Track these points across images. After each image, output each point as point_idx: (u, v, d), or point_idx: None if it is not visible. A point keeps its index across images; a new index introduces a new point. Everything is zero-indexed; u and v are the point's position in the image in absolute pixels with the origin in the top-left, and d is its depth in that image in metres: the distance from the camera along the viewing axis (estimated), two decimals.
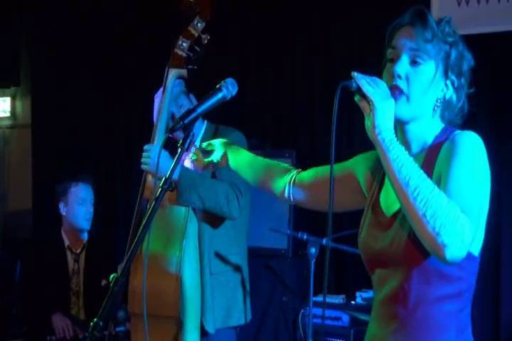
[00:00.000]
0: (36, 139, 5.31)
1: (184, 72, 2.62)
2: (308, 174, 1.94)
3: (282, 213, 3.97)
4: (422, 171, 1.52)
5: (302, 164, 2.17)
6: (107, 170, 4.96)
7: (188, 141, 1.81)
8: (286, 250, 4.01)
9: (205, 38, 2.58)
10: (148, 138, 2.89)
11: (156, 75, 2.90)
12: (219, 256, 2.91)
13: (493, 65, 3.43)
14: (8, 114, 5.76)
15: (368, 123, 1.56)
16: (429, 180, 1.51)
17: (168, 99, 2.67)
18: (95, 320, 1.68)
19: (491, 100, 3.50)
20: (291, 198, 1.95)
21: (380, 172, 1.76)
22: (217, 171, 2.82)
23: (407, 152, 1.55)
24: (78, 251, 3.85)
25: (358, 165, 1.86)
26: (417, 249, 1.55)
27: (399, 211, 1.63)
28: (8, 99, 5.72)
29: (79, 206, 3.83)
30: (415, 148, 1.68)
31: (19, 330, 3.75)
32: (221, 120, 3.03)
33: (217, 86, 1.87)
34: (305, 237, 3.06)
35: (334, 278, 3.91)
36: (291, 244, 3.99)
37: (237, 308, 2.95)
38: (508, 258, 3.47)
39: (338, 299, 3.81)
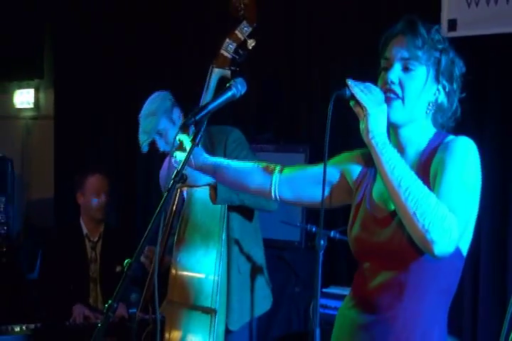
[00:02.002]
0: (58, 130, 5.48)
1: (227, 72, 2.73)
2: (291, 172, 2.02)
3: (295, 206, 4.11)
4: (413, 173, 1.66)
5: (316, 159, 2.25)
6: (128, 160, 5.07)
7: (199, 136, 1.95)
8: (299, 242, 4.15)
9: (251, 43, 2.70)
10: None
11: (174, 67, 3.05)
12: (244, 252, 3.00)
13: (502, 65, 3.51)
14: (31, 106, 5.94)
15: (362, 127, 1.70)
16: (419, 181, 1.64)
17: (210, 97, 2.76)
18: (110, 301, 1.82)
19: (502, 99, 3.57)
20: (277, 197, 2.03)
21: (371, 169, 1.88)
22: None
23: (399, 154, 1.68)
24: (95, 239, 4.05)
25: (345, 163, 1.97)
26: (416, 245, 1.67)
27: (394, 211, 1.74)
28: (31, 91, 5.90)
29: (94, 197, 4.01)
30: (409, 151, 1.80)
31: (40, 314, 3.92)
32: (235, 115, 3.14)
33: (228, 85, 2.01)
34: (314, 229, 3.15)
35: (346, 270, 3.99)
36: (304, 236, 4.13)
37: (258, 299, 3.05)
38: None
39: (347, 290, 3.91)
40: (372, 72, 1.86)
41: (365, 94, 1.70)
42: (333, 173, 1.95)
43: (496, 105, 3.55)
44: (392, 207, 1.77)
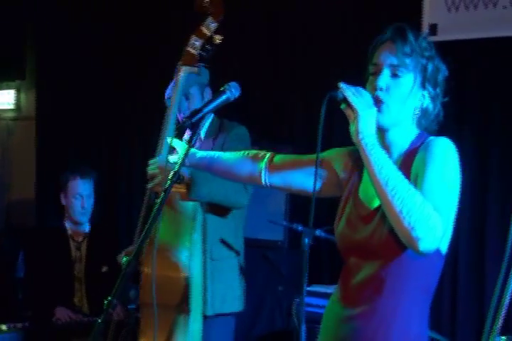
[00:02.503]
0: (40, 131, 5.48)
1: (195, 69, 2.78)
2: (283, 160, 2.10)
3: (278, 205, 4.18)
4: (400, 172, 1.75)
5: None
6: (110, 161, 5.11)
7: (195, 138, 2.04)
8: (283, 241, 4.24)
9: (217, 38, 2.73)
10: (153, 128, 3.08)
11: (160, 67, 3.11)
12: (220, 243, 3.08)
13: (481, 70, 3.63)
14: (12, 106, 5.95)
15: (352, 128, 1.79)
16: (406, 180, 1.73)
17: (179, 95, 2.83)
18: (109, 298, 1.90)
19: (481, 102, 3.69)
20: (267, 184, 2.11)
21: (359, 167, 1.96)
22: None
23: (387, 155, 1.77)
24: (80, 239, 4.10)
25: (335, 158, 2.05)
26: (396, 242, 1.77)
27: (380, 206, 1.82)
28: (12, 92, 5.91)
29: (75, 200, 4.05)
30: (394, 152, 1.89)
31: (25, 314, 3.96)
32: (221, 114, 3.20)
33: (222, 88, 2.10)
34: (300, 228, 3.24)
35: (329, 269, 4.08)
36: (288, 236, 4.22)
37: (232, 295, 3.12)
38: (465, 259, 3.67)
39: (330, 289, 4.01)
40: (354, 73, 1.93)
41: (357, 97, 1.78)
42: (323, 167, 2.03)
43: (475, 107, 3.67)
44: (375, 205, 1.86)
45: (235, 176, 2.18)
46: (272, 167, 2.09)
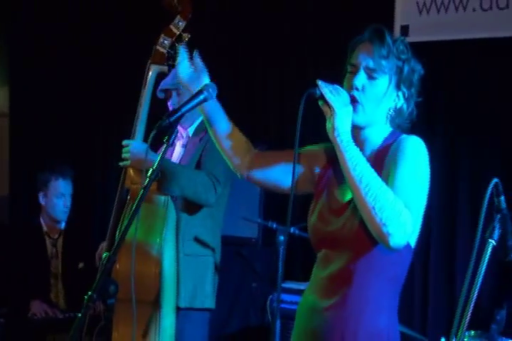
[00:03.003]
0: (13, 128, 5.49)
1: (165, 68, 2.84)
2: (264, 156, 2.16)
3: (253, 202, 4.25)
4: (373, 170, 1.82)
5: None
6: (85, 157, 5.13)
7: (173, 137, 2.10)
8: (257, 239, 4.31)
9: (186, 37, 2.78)
10: (125, 127, 3.12)
11: (134, 66, 3.16)
12: (193, 240, 3.11)
13: (451, 70, 3.76)
14: None
15: (328, 125, 1.86)
16: (378, 178, 1.81)
17: (149, 94, 2.89)
18: (90, 292, 1.95)
19: (449, 102, 3.81)
20: (246, 176, 2.16)
21: (334, 162, 2.02)
22: (202, 160, 3.06)
23: (361, 153, 1.85)
24: (56, 236, 4.17)
25: (310, 155, 2.11)
26: (366, 235, 1.84)
27: (352, 200, 1.90)
28: None
29: (58, 199, 4.13)
30: (367, 148, 1.96)
31: (0, 311, 4.00)
32: None
33: (199, 89, 2.17)
34: (274, 226, 3.31)
35: (301, 266, 4.16)
36: (262, 233, 4.30)
37: (202, 292, 3.14)
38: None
39: (304, 285, 4.08)
40: (329, 71, 2.03)
41: (334, 95, 1.84)
42: (300, 163, 2.08)
43: (444, 107, 3.79)
44: (348, 198, 1.93)
45: (227, 153, 2.19)
46: (254, 162, 2.15)
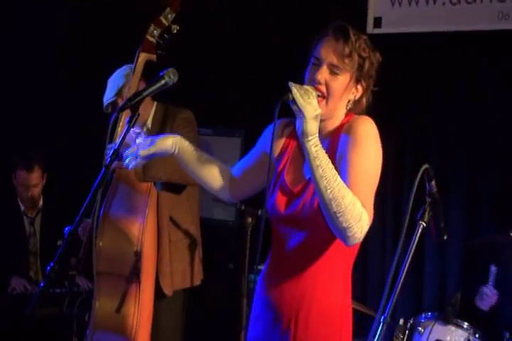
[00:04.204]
0: None
1: (153, 56, 2.99)
2: (236, 174, 2.30)
3: None
4: (337, 175, 1.92)
5: (251, 142, 2.42)
6: (61, 138, 5.10)
7: (135, 118, 2.24)
8: (234, 221, 4.47)
9: (175, 28, 2.94)
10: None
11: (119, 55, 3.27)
12: (176, 224, 3.27)
13: (421, 62, 3.90)
14: None
15: (299, 128, 1.95)
16: (341, 182, 1.90)
17: (137, 80, 3.01)
18: (52, 264, 2.10)
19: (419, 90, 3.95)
20: (231, 199, 2.33)
21: (293, 142, 2.16)
22: None
23: (327, 156, 1.93)
24: (33, 215, 4.31)
25: (266, 144, 2.22)
26: (322, 215, 1.96)
27: (309, 181, 2.04)
28: None
29: (22, 188, 4.25)
30: (325, 134, 2.09)
31: None
32: (174, 98, 3.37)
33: (161, 74, 2.30)
34: (243, 208, 3.44)
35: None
36: (239, 216, 4.44)
37: (191, 272, 3.34)
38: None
39: None
40: (302, 61, 2.09)
41: (305, 101, 1.93)
42: (262, 159, 2.22)
43: (411, 95, 3.94)
44: (305, 180, 2.07)
45: (203, 182, 2.34)
46: (233, 188, 2.29)
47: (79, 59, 5.06)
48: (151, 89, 2.27)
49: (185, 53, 4.33)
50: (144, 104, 2.63)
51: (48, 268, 2.12)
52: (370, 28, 3.77)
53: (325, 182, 1.89)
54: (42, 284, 2.09)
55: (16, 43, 5.24)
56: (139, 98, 2.22)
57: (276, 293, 2.12)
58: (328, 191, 1.88)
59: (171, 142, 2.31)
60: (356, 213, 1.88)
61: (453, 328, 3.22)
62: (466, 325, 3.23)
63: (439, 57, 3.84)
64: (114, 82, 3.28)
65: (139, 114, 2.24)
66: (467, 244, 3.56)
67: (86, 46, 5.04)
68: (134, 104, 2.21)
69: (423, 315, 3.33)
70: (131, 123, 2.23)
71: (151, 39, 2.95)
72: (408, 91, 3.90)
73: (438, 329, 3.22)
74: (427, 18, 3.66)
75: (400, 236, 1.86)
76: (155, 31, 2.94)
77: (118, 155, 2.22)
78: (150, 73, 3.10)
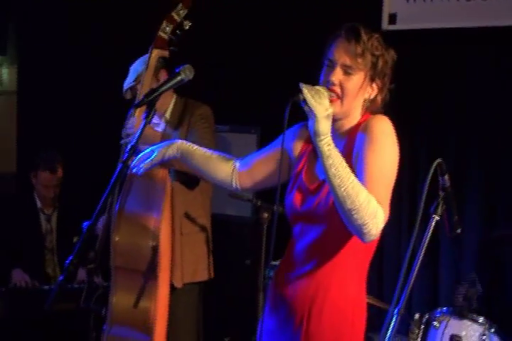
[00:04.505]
0: (21, 105, 5.62)
1: (166, 52, 3.03)
2: (247, 162, 2.37)
3: None
4: (351, 173, 1.95)
5: (266, 139, 2.47)
6: (90, 135, 5.20)
7: (151, 114, 2.28)
8: (250, 218, 4.50)
9: (187, 24, 2.98)
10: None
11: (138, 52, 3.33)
12: (189, 217, 3.33)
13: (436, 58, 3.90)
14: None
15: (311, 128, 1.99)
16: (355, 180, 1.94)
17: (151, 76, 3.06)
18: (71, 257, 2.15)
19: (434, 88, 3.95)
20: (238, 188, 2.38)
21: (309, 145, 2.21)
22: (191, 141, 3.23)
23: (340, 155, 1.97)
24: (50, 212, 4.38)
25: (288, 142, 2.28)
26: (337, 213, 2.00)
27: (323, 181, 2.08)
28: None
29: (43, 188, 4.35)
30: (341, 133, 2.14)
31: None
32: (191, 96, 3.41)
33: (177, 71, 2.34)
34: (259, 203, 3.47)
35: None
36: (254, 212, 4.47)
37: (202, 265, 3.40)
38: None
39: None
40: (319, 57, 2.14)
41: (316, 101, 1.97)
42: (278, 154, 2.24)
43: (428, 93, 3.95)
44: (321, 178, 2.11)
45: (208, 177, 2.43)
46: (240, 174, 2.36)
47: (91, 54, 5.14)
48: (167, 86, 2.33)
49: (202, 50, 4.37)
50: (164, 95, 2.72)
51: (67, 262, 2.15)
52: (385, 25, 3.78)
53: (338, 180, 1.92)
54: (61, 278, 2.12)
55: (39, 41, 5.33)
56: (155, 94, 2.28)
57: (290, 288, 2.16)
58: (342, 189, 1.91)
59: (174, 149, 2.39)
60: (371, 210, 1.91)
61: (468, 323, 3.24)
62: (481, 319, 3.24)
63: (455, 54, 3.84)
64: (134, 68, 3.37)
65: (155, 110, 2.29)
66: (483, 238, 3.57)
67: (102, 44, 5.12)
68: (150, 100, 2.26)
69: (438, 310, 3.35)
70: (147, 119, 2.28)
71: (163, 35, 2.99)
72: (423, 88, 3.91)
73: (453, 324, 3.24)
74: (443, 14, 3.66)
75: (413, 229, 1.89)
76: (167, 27, 2.97)
77: (135, 151, 2.27)
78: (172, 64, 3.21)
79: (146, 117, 2.27)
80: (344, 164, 1.96)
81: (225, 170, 2.37)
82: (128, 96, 3.37)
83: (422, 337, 3.31)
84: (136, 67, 3.36)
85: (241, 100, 4.52)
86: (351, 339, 2.12)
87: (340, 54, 2.06)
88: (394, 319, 1.88)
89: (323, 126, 1.96)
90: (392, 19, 3.75)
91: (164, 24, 2.98)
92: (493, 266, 3.70)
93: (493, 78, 3.80)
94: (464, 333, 3.21)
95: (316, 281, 2.11)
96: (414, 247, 1.93)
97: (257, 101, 4.47)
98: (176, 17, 2.97)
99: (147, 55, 3.29)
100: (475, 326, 3.23)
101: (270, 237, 3.35)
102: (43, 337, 3.98)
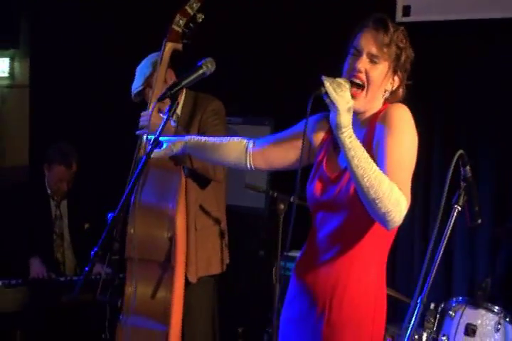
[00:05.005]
0: (33, 98, 5.66)
1: (179, 46, 3.06)
2: (262, 144, 2.41)
3: (261, 174, 4.46)
4: (373, 163, 1.99)
5: (280, 131, 2.49)
6: (102, 129, 5.23)
7: (174, 108, 2.32)
8: (263, 209, 4.54)
9: (200, 17, 3.02)
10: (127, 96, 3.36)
11: (152, 45, 3.35)
12: (203, 212, 3.35)
13: (450, 50, 3.94)
14: (6, 74, 6.12)
15: (333, 120, 2.03)
16: (378, 170, 1.97)
17: (164, 69, 3.10)
18: (96, 249, 2.18)
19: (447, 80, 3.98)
20: (252, 167, 2.43)
21: (330, 135, 2.25)
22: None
23: (362, 146, 2.00)
24: (59, 198, 4.46)
25: (311, 128, 2.32)
26: (357, 199, 2.04)
27: (344, 170, 2.12)
28: (6, 60, 6.06)
29: (56, 180, 4.42)
30: (361, 123, 2.18)
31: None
32: (202, 87, 3.43)
33: (199, 64, 2.37)
34: (275, 194, 3.51)
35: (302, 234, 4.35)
36: (269, 204, 4.51)
37: (216, 258, 3.43)
38: None
39: None
40: (334, 51, 2.18)
41: (337, 94, 2.01)
42: (300, 138, 2.25)
43: (441, 84, 3.97)
44: (342, 167, 2.16)
45: (222, 162, 2.52)
46: (254, 153, 2.40)
47: (103, 48, 5.18)
48: (189, 79, 2.35)
49: (215, 42, 4.39)
50: None
51: (92, 253, 2.17)
52: (398, 17, 3.81)
53: (361, 171, 1.96)
54: (86, 269, 2.15)
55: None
56: (178, 87, 2.30)
57: (312, 277, 2.21)
58: (365, 179, 1.95)
59: (182, 145, 2.46)
60: (394, 198, 1.95)
61: (483, 312, 3.28)
62: (496, 308, 3.29)
63: (469, 46, 3.87)
64: (141, 71, 3.37)
65: (178, 103, 2.32)
66: (496, 229, 3.60)
67: (114, 36, 5.15)
68: (173, 94, 2.29)
69: (454, 299, 3.39)
70: (170, 112, 2.31)
71: (176, 28, 3.02)
72: (436, 80, 3.93)
73: (469, 313, 3.28)
74: (457, 6, 3.69)
75: (436, 220, 1.93)
76: (180, 21, 3.01)
77: (158, 144, 2.30)
78: (176, 62, 3.24)
79: (169, 110, 2.30)
80: (366, 154, 2.00)
81: (239, 149, 2.42)
82: (137, 99, 3.41)
83: (437, 327, 3.35)
84: (142, 70, 3.37)
85: (254, 91, 4.55)
86: (373, 327, 2.16)
87: (368, 43, 2.10)
88: (417, 307, 1.92)
89: (345, 119, 2.00)
90: (406, 11, 3.77)
91: (178, 17, 3.02)
92: (506, 256, 3.73)
93: (507, 68, 3.82)
94: (479, 322, 3.26)
95: (337, 269, 2.15)
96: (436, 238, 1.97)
97: (271, 92, 4.51)
98: (189, 10, 3.01)
99: (152, 57, 3.34)
100: (490, 315, 3.27)
101: (287, 228, 3.41)
102: (60, 328, 4.04)
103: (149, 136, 2.41)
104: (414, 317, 1.90)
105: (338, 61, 2.18)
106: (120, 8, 5.15)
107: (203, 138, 2.47)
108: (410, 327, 1.83)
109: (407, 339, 1.90)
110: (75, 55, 5.36)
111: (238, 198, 4.40)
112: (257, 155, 2.40)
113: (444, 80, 3.97)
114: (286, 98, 4.39)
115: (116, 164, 4.86)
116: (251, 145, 2.42)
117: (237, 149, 2.42)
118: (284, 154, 2.37)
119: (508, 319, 3.28)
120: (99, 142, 5.21)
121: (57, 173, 4.40)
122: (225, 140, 2.46)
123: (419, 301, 1.94)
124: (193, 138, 2.47)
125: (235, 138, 2.46)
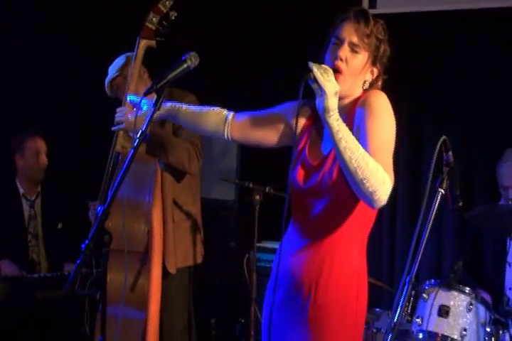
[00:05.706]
0: None
1: (153, 42, 3.10)
2: (243, 117, 2.46)
3: (231, 166, 4.52)
4: (359, 145, 2.08)
5: None
6: (67, 118, 5.11)
7: (160, 101, 2.35)
8: (234, 201, 4.61)
9: (173, 15, 3.06)
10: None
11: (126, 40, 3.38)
12: (178, 205, 3.41)
13: (416, 41, 4.06)
14: None
15: (320, 105, 2.12)
16: (364, 151, 2.06)
17: (139, 66, 3.13)
18: (87, 242, 2.20)
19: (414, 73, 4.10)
20: (229, 137, 2.47)
21: (315, 119, 2.33)
22: (178, 131, 3.31)
23: (348, 129, 2.10)
24: (33, 198, 4.37)
25: (289, 111, 2.40)
26: (343, 182, 2.13)
27: (330, 152, 2.21)
28: None
29: (33, 159, 4.31)
30: (341, 110, 2.22)
31: None
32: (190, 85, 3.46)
33: (183, 58, 2.41)
34: (251, 186, 3.57)
35: (277, 226, 4.39)
36: (238, 195, 4.57)
37: (193, 250, 3.49)
38: None
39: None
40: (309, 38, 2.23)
41: (324, 78, 2.11)
42: (280, 119, 2.38)
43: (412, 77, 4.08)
44: (324, 154, 2.24)
45: (201, 130, 2.54)
46: (233, 124, 2.45)
47: (79, 47, 5.09)
48: (174, 73, 2.37)
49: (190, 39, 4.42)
50: (143, 84, 2.69)
51: (83, 245, 2.20)
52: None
53: (349, 152, 2.05)
54: (78, 262, 2.18)
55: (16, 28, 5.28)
56: (163, 82, 2.33)
57: (297, 261, 2.27)
58: (353, 160, 2.04)
59: (163, 110, 2.49)
60: (380, 177, 2.04)
61: (456, 293, 3.37)
62: (467, 289, 3.39)
63: (437, 37, 3.98)
64: (115, 63, 3.44)
65: (164, 97, 2.36)
66: (466, 213, 3.71)
67: (88, 35, 5.08)
68: (159, 88, 2.33)
69: (427, 282, 3.48)
70: (156, 106, 2.34)
71: (150, 26, 3.06)
72: (407, 72, 4.05)
73: (442, 295, 3.37)
74: None
75: (422, 203, 2.02)
76: (154, 18, 3.05)
77: (145, 137, 2.33)
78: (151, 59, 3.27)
79: (155, 104, 2.33)
80: (352, 136, 2.09)
81: (218, 118, 2.45)
82: (111, 91, 3.44)
83: (411, 309, 3.44)
84: (117, 62, 3.43)
85: (241, 88, 4.57)
86: (357, 305, 2.24)
87: (349, 33, 2.20)
88: (405, 287, 2.01)
89: (332, 103, 2.10)
90: (373, 3, 3.86)
91: (151, 15, 3.06)
92: (474, 240, 3.86)
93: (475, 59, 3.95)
94: (452, 303, 3.35)
95: (322, 252, 2.23)
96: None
97: (240, 83, 4.55)
98: (162, 8, 3.05)
99: (125, 55, 3.38)
100: (462, 296, 3.38)
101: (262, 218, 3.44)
102: (37, 325, 4.02)
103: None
104: (402, 297, 1.99)
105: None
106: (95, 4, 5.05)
107: (184, 106, 2.52)
108: (399, 307, 1.91)
109: (398, 317, 1.98)
110: (35, 41, 5.10)
111: (208, 191, 4.45)
112: (235, 128, 2.44)
113: (415, 70, 4.07)
114: (275, 94, 4.43)
115: (89, 161, 4.87)
116: (230, 116, 2.46)
117: (217, 118, 2.46)
118: (261, 133, 2.42)
119: (478, 299, 3.40)
120: (71, 140, 5.15)
121: (33, 147, 4.30)
122: (205, 109, 2.51)
123: (407, 280, 2.02)
124: (175, 106, 2.52)
125: (215, 108, 2.51)
